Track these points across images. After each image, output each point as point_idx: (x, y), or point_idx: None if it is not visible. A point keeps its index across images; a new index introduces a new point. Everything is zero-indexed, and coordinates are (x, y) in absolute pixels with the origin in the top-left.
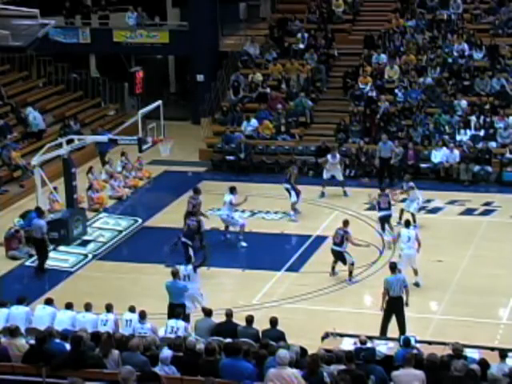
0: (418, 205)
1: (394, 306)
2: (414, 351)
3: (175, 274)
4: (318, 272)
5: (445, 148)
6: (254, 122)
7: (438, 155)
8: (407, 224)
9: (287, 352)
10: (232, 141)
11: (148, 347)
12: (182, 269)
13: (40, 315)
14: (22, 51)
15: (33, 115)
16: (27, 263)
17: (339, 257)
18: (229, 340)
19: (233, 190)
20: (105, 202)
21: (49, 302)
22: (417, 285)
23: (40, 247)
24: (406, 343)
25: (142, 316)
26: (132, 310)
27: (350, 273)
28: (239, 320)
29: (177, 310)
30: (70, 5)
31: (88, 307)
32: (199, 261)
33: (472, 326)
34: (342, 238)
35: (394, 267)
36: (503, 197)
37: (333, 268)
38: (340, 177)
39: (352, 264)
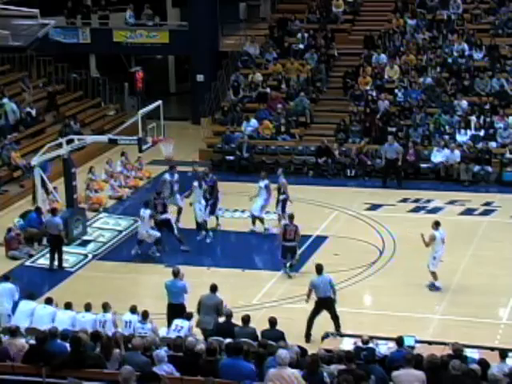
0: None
1: (323, 306)
2: (404, 352)
3: (176, 274)
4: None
5: (445, 149)
6: (253, 122)
7: (439, 155)
8: (437, 225)
9: (287, 352)
10: (232, 141)
11: (148, 347)
12: (142, 210)
13: (40, 314)
14: (22, 51)
15: (10, 107)
16: (27, 263)
17: (293, 251)
18: (228, 340)
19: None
20: (104, 202)
21: (49, 301)
22: (432, 287)
23: (57, 244)
24: (399, 343)
25: (144, 316)
26: (133, 310)
27: (291, 265)
28: (239, 320)
29: (186, 313)
30: (72, 5)
31: (88, 307)
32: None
33: (472, 326)
34: (294, 233)
35: (320, 268)
36: (503, 197)
37: (287, 265)
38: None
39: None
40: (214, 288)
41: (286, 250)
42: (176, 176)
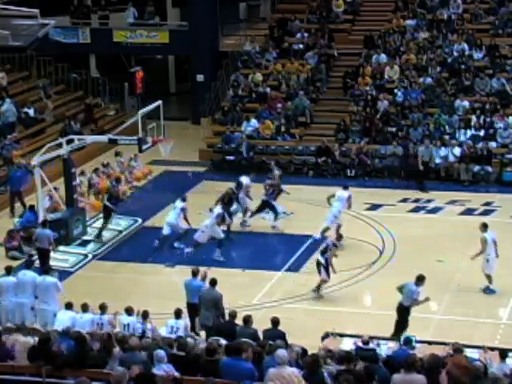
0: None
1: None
2: (411, 351)
3: (195, 273)
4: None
5: (443, 148)
6: (253, 122)
7: (438, 155)
8: (485, 227)
9: (285, 351)
10: (232, 141)
11: (148, 347)
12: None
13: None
14: (22, 51)
15: (7, 107)
16: None
17: (317, 266)
18: (223, 341)
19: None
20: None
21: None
22: (487, 290)
23: (46, 257)
24: (406, 343)
25: (144, 316)
26: (129, 311)
27: (319, 287)
28: (239, 320)
29: (176, 311)
30: (77, 4)
31: (84, 308)
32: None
33: (472, 326)
34: (326, 247)
35: (418, 278)
36: (503, 197)
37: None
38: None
39: (324, 281)
40: (212, 282)
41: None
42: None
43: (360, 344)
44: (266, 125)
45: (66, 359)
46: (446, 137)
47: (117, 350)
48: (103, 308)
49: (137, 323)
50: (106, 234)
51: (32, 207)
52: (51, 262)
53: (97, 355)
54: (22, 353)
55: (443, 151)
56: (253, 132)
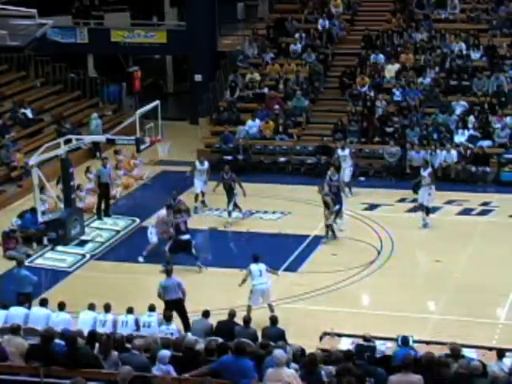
0: None
1: (173, 309)
2: (412, 352)
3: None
4: (315, 272)
5: (443, 151)
6: (254, 122)
7: (436, 157)
8: None
9: (283, 352)
10: (230, 141)
11: (148, 347)
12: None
13: (36, 316)
14: (20, 51)
15: None
16: (25, 263)
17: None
18: (221, 340)
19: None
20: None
21: (43, 302)
22: None
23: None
24: (405, 343)
25: (168, 319)
26: (130, 311)
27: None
28: (237, 320)
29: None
30: (80, 4)
31: (91, 307)
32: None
33: (470, 325)
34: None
35: (169, 271)
36: (501, 197)
37: None
38: (199, 188)
39: None
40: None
41: None
42: None
43: (361, 342)
44: (268, 124)
45: (60, 359)
46: (446, 135)
47: (115, 353)
48: (108, 307)
49: (160, 324)
50: (104, 234)
51: (33, 209)
52: (48, 262)
53: (91, 355)
54: (14, 355)
55: (439, 156)
56: (256, 131)
